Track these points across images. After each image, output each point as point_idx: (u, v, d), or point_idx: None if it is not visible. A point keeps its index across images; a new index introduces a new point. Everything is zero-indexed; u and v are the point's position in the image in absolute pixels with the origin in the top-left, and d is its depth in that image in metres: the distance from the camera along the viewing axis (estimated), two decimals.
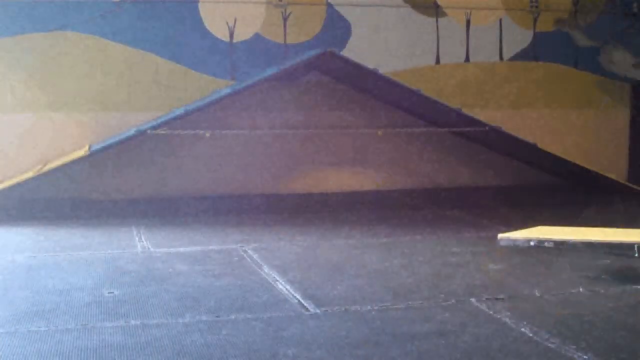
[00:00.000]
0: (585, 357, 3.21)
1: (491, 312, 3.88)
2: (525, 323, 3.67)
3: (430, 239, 5.92)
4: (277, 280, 4.55)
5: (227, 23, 7.80)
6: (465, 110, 7.62)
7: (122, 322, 3.70)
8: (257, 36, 7.90)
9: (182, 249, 5.52)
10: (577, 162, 7.97)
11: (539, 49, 8.70)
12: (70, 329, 3.60)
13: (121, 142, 7.02)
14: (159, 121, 7.02)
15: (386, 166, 8.33)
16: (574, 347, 3.32)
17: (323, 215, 7.16)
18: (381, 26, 8.20)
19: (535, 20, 8.68)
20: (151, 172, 7.64)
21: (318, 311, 3.91)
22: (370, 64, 7.26)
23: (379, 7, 8.19)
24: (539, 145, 7.79)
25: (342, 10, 8.11)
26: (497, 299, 4.12)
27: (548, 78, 8.75)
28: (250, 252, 5.39)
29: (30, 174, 6.91)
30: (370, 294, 4.24)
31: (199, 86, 7.60)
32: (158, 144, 7.43)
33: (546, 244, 5.30)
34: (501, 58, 8.62)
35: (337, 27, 8.09)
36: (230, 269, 4.90)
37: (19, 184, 6.83)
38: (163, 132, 7.01)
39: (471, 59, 8.50)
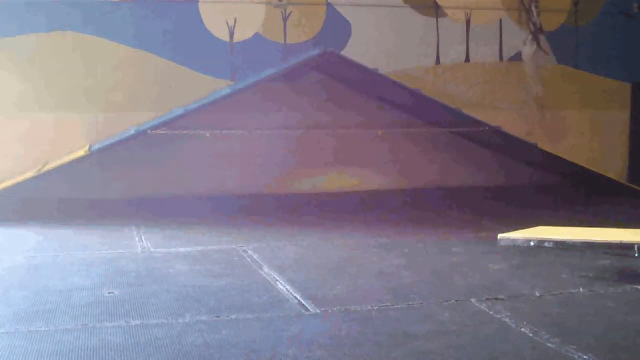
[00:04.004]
0: (585, 357, 3.21)
1: (491, 312, 3.88)
2: (525, 323, 3.67)
3: (430, 239, 5.93)
4: (277, 280, 4.56)
5: (227, 23, 7.80)
6: (465, 110, 7.61)
7: (122, 322, 3.70)
8: (257, 36, 7.90)
9: (182, 249, 5.52)
10: (577, 162, 7.97)
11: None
12: (70, 329, 3.60)
13: (121, 142, 7.02)
14: (159, 121, 7.02)
15: (386, 166, 8.32)
16: (574, 347, 3.32)
17: (323, 215, 7.17)
18: (381, 26, 8.20)
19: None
20: (151, 172, 7.64)
21: (318, 311, 3.91)
22: (370, 64, 7.26)
23: (379, 7, 8.19)
24: (539, 145, 7.79)
25: (342, 10, 8.11)
26: (497, 299, 4.12)
27: (548, 78, 8.73)
28: (250, 252, 5.40)
29: (30, 174, 6.90)
30: (370, 294, 4.24)
31: (199, 86, 7.60)
32: (158, 144, 7.42)
33: (546, 244, 5.31)
34: (501, 58, 8.61)
35: (337, 27, 8.09)
36: (230, 269, 4.90)
37: (19, 184, 6.83)
38: (163, 132, 7.01)
39: (471, 59, 8.50)
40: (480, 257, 5.22)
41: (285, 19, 7.94)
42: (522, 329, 3.59)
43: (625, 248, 5.10)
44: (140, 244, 5.74)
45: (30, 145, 7.34)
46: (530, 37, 8.41)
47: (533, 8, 8.33)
